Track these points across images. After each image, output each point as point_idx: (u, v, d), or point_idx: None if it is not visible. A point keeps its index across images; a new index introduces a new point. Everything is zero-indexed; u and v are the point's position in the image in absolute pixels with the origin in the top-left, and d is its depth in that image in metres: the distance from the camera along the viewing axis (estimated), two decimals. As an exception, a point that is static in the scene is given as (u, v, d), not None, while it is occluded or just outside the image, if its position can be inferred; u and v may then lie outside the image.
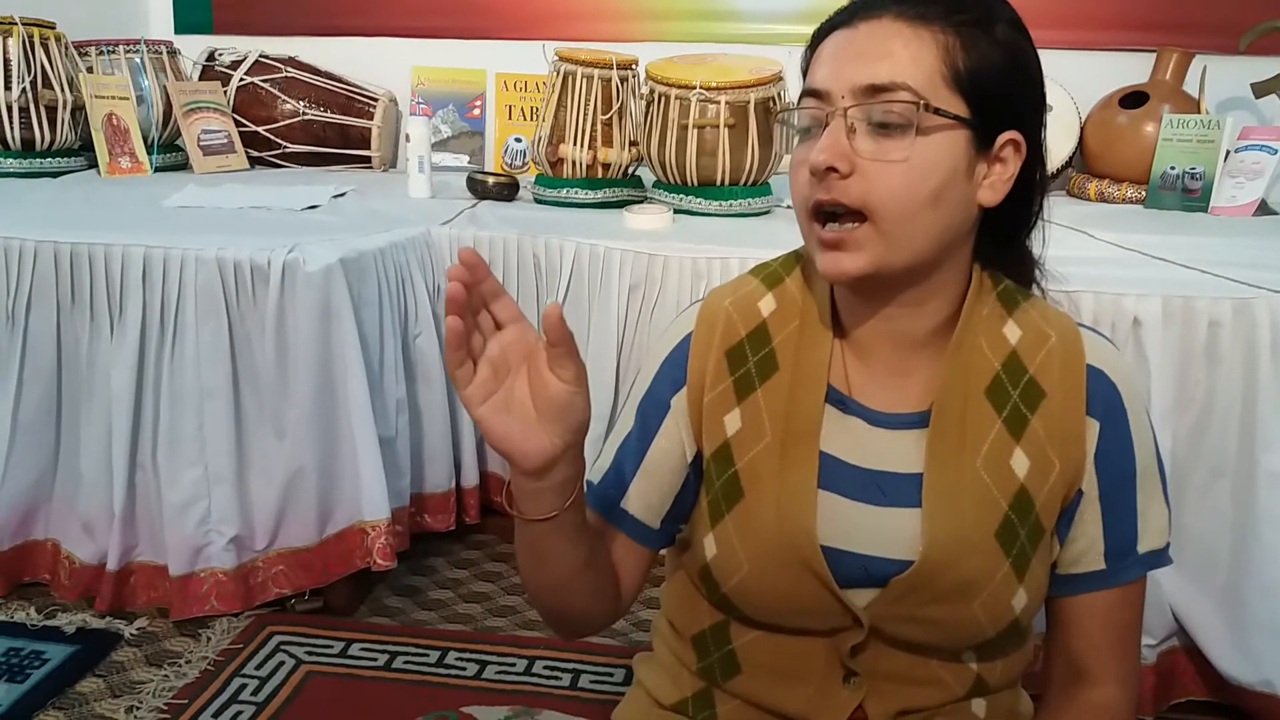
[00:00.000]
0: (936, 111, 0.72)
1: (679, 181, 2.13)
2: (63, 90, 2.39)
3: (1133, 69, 2.52)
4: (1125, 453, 0.81)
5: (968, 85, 0.73)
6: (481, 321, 0.69)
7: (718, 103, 2.04)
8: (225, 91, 2.65)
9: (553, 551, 0.78)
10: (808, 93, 0.77)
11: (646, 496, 0.86)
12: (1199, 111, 2.39)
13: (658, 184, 2.21)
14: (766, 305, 0.86)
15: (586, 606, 0.85)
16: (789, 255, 0.89)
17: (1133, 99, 2.45)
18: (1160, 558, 0.84)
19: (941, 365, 0.81)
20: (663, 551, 0.95)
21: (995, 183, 0.77)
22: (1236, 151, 2.31)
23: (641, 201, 2.20)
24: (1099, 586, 0.83)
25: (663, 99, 2.09)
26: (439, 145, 2.78)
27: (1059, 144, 2.50)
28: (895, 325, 0.81)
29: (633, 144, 2.20)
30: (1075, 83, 2.49)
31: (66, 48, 2.45)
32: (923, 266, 0.77)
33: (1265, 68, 2.35)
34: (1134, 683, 0.87)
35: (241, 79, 2.67)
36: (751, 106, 2.05)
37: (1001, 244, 0.84)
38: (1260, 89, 2.37)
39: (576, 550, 0.79)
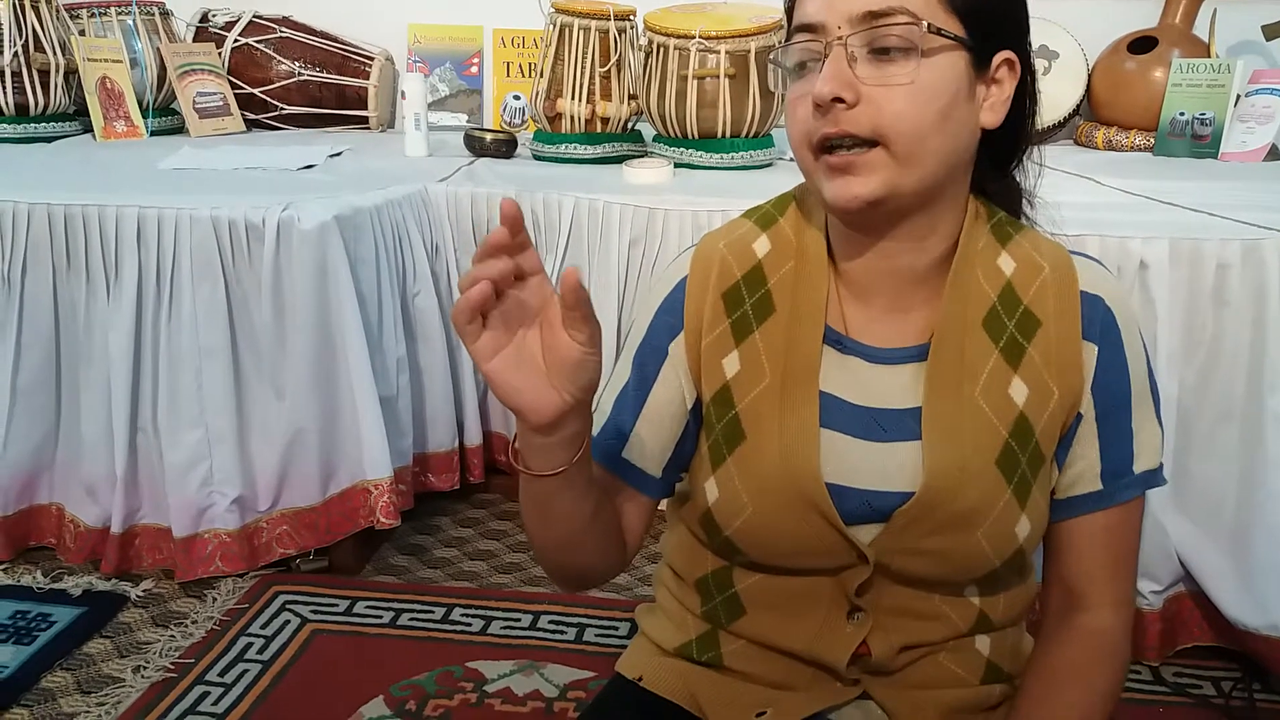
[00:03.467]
0: (938, 32, 0.71)
1: (679, 134, 2.11)
2: (55, 54, 2.37)
3: (1141, 13, 2.47)
4: (1121, 374, 0.81)
5: (962, 5, 0.72)
6: (504, 277, 0.66)
7: (718, 52, 2.01)
8: (220, 53, 2.62)
9: (559, 507, 0.77)
10: (800, 28, 0.75)
11: (647, 445, 0.85)
12: (1209, 56, 2.34)
13: (658, 138, 2.19)
14: (761, 246, 0.84)
15: (592, 560, 0.84)
16: (782, 196, 0.88)
17: (1141, 44, 2.40)
18: (1155, 477, 0.84)
19: (939, 299, 0.80)
20: (662, 505, 0.95)
21: (994, 104, 0.77)
22: (1247, 96, 2.27)
23: (642, 156, 2.17)
24: (1096, 508, 0.83)
25: (661, 50, 2.05)
26: (437, 104, 2.75)
27: (1066, 91, 2.46)
28: (894, 262, 0.80)
29: (632, 97, 2.17)
30: (1083, 29, 2.45)
31: (58, 10, 2.42)
32: (929, 192, 0.76)
33: (1276, 9, 2.31)
34: (1129, 607, 0.86)
35: (236, 40, 2.63)
36: (752, 56, 2.02)
37: (997, 170, 0.84)
38: (1271, 31, 2.32)
39: (583, 505, 0.78)
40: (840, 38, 0.72)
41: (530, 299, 0.67)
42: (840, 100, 0.71)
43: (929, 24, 0.71)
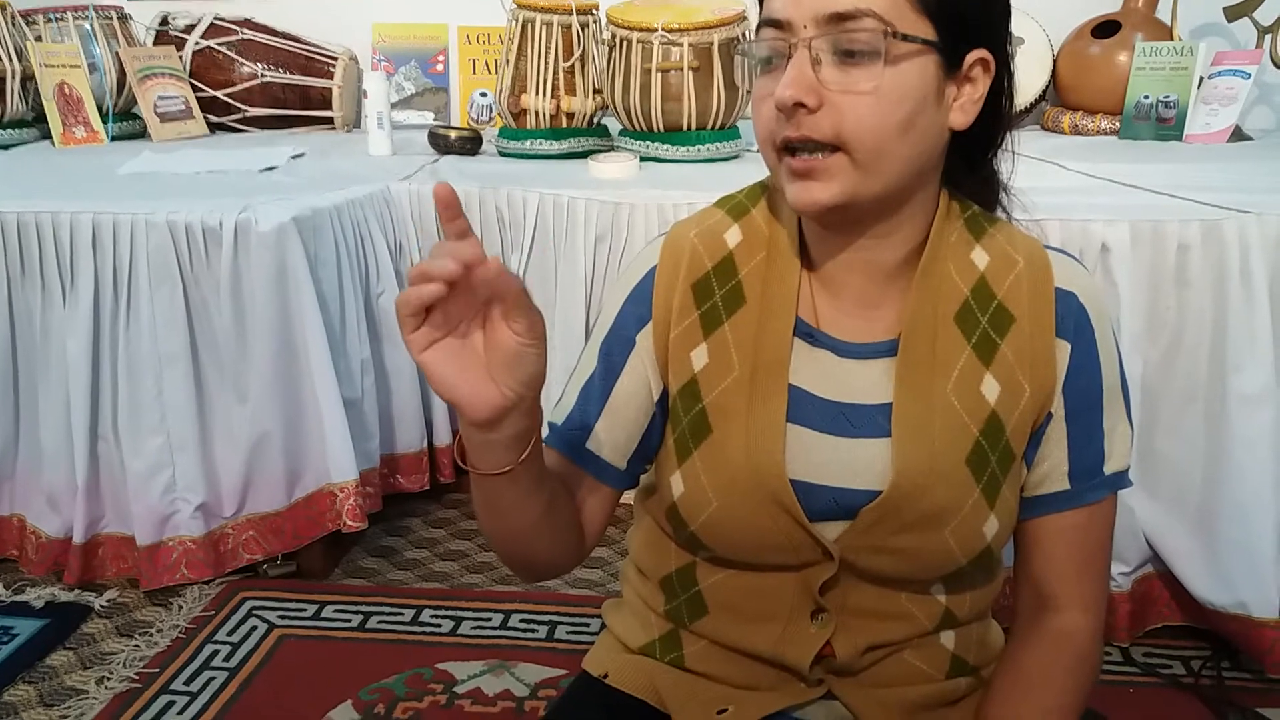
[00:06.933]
0: (904, 38, 0.69)
1: (644, 128, 2.10)
2: (11, 60, 2.34)
3: (1104, -3, 2.48)
4: (1093, 373, 0.80)
5: (934, 6, 0.70)
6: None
7: (681, 45, 2.00)
8: (180, 56, 2.59)
9: (509, 504, 0.76)
10: (767, 22, 0.73)
11: (612, 436, 0.84)
12: (1171, 39, 2.35)
13: (624, 132, 2.17)
14: (732, 237, 0.83)
15: (548, 552, 0.83)
16: (754, 186, 0.86)
17: (1105, 28, 2.41)
18: (1124, 479, 0.83)
19: (910, 293, 0.79)
20: (628, 500, 0.94)
21: (965, 104, 0.75)
22: (1210, 78, 2.28)
23: (608, 150, 2.16)
24: (1064, 507, 0.82)
25: (625, 44, 2.04)
26: (403, 103, 2.73)
27: (1032, 77, 2.46)
28: (865, 255, 0.79)
29: (596, 92, 2.16)
30: (1047, 14, 2.45)
31: (13, 17, 2.40)
32: (895, 195, 0.75)
33: (1237, -9, 2.32)
34: (1100, 608, 0.85)
35: (197, 43, 2.60)
36: (715, 48, 2.01)
37: (970, 165, 0.82)
38: (1233, 13, 2.33)
39: (534, 502, 0.76)
40: (805, 39, 0.70)
41: (474, 290, 0.65)
42: (802, 105, 0.70)
43: (895, 30, 0.69)
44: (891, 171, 0.72)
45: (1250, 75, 2.22)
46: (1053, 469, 0.81)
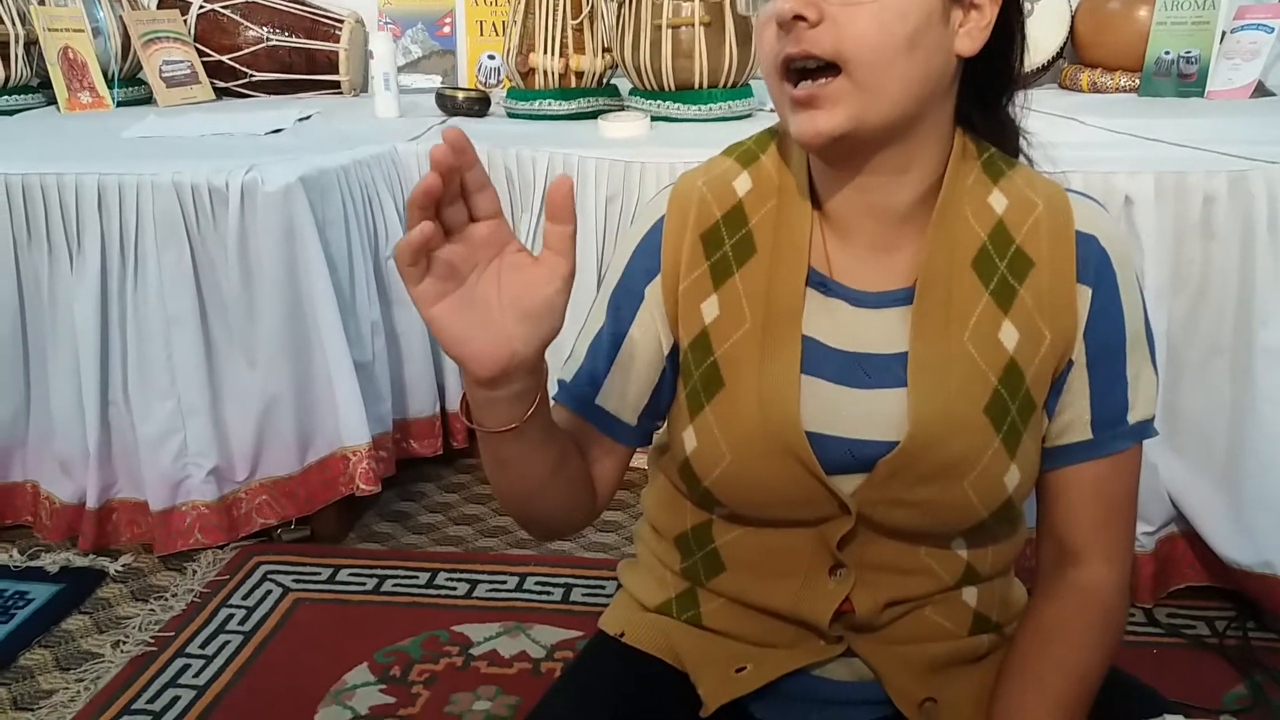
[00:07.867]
0: None
1: (655, 87, 2.06)
2: (14, 25, 2.31)
3: (1124, -50, 2.42)
4: (1115, 319, 0.78)
5: None
6: (453, 215, 0.63)
7: (692, 0, 1.96)
8: (185, 20, 2.56)
9: (516, 461, 0.74)
10: None
11: (622, 391, 0.82)
12: (1194, -9, 2.30)
13: (634, 91, 2.14)
14: (742, 184, 0.81)
15: (557, 510, 0.81)
16: (763, 132, 0.84)
17: (1125, -18, 2.35)
18: (1148, 428, 0.81)
19: (925, 238, 0.77)
20: (642, 464, 0.92)
21: (972, 30, 0.73)
22: (1233, 32, 2.23)
23: (618, 110, 2.12)
24: (1086, 457, 0.80)
25: (634, -1, 2.01)
26: (410, 66, 2.69)
27: (1050, 34, 2.41)
28: (875, 198, 0.76)
29: (606, 50, 2.13)
30: (1065, -32, 2.40)
31: (15, -20, 2.36)
32: (901, 123, 0.72)
33: (1262, -59, 2.26)
34: (1125, 560, 0.83)
35: (201, 6, 2.57)
36: (727, 3, 1.97)
37: (984, 105, 0.80)
38: (1257, -36, 2.28)
39: (542, 459, 0.75)
40: None
41: (484, 243, 0.63)
42: (802, 19, 0.68)
43: None
44: (895, 93, 0.70)
45: (1273, 29, 2.17)
46: (1075, 418, 0.79)
